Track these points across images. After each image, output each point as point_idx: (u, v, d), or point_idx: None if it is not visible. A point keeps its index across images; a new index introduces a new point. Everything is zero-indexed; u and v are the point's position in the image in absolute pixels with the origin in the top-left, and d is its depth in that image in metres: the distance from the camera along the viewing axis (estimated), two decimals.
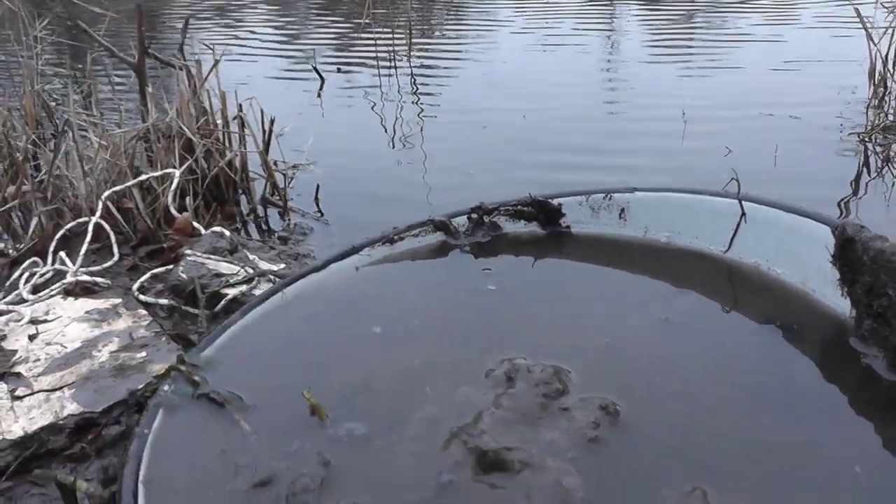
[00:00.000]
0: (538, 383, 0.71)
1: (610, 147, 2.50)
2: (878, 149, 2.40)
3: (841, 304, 0.80)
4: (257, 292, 1.04)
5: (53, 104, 2.51)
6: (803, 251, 0.82)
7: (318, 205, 2.13)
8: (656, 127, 2.68)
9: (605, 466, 0.64)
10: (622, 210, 0.93)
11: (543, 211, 0.94)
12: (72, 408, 1.02)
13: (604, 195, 0.93)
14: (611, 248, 0.93)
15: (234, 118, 2.08)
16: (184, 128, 1.93)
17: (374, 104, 3.09)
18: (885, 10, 2.89)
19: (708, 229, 0.90)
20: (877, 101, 2.73)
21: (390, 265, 0.89)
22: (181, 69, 2.05)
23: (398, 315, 0.81)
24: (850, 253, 0.77)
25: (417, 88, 3.35)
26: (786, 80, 3.18)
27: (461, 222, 0.94)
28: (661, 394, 0.71)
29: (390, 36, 3.88)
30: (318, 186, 2.16)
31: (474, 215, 0.94)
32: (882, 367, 0.72)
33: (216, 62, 2.04)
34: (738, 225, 0.88)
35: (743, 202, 0.87)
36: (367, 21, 3.94)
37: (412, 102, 3.10)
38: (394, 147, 2.58)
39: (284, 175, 2.14)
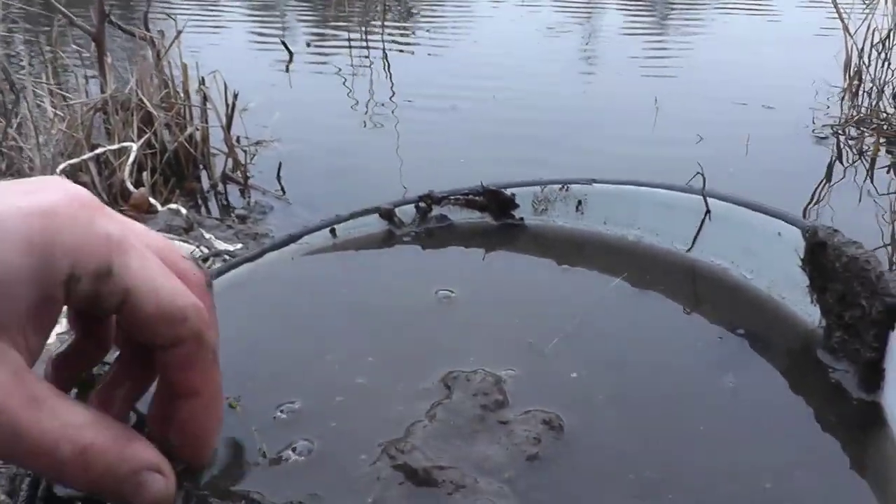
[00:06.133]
0: (476, 393, 0.64)
1: (580, 133, 2.44)
2: (851, 141, 2.34)
3: (811, 312, 0.73)
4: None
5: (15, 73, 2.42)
6: (771, 254, 0.75)
7: (280, 182, 2.05)
8: (628, 114, 2.63)
9: (543, 488, 0.56)
10: (579, 202, 0.85)
11: (496, 201, 0.86)
12: None
13: (560, 186, 0.85)
14: (566, 243, 0.85)
15: (197, 91, 1.99)
16: (144, 100, 1.84)
17: (345, 81, 3.00)
18: (862, 2, 2.85)
19: (670, 225, 0.82)
20: (851, 93, 2.68)
21: (329, 255, 0.81)
22: (143, 39, 1.96)
23: (332, 312, 0.74)
24: (820, 258, 0.69)
25: (389, 66, 3.26)
26: (761, 72, 3.13)
27: (409, 210, 0.87)
28: (614, 407, 0.64)
29: (363, 11, 3.79)
30: (280, 164, 2.08)
31: (422, 204, 0.86)
32: (852, 384, 0.65)
33: (179, 32, 1.95)
34: (703, 222, 0.80)
35: (707, 198, 0.79)
36: None
37: (384, 79, 3.02)
38: (363, 125, 2.51)
39: (246, 151, 2.06)
